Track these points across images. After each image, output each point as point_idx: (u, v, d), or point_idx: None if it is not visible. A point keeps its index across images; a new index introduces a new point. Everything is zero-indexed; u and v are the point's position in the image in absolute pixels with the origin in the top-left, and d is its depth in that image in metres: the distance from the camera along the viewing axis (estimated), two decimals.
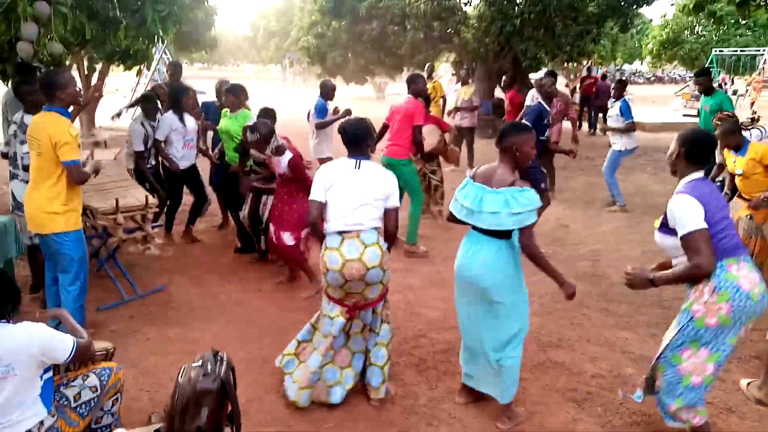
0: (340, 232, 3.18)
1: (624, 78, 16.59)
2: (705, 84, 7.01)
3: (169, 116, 5.69)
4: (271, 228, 4.87)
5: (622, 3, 13.98)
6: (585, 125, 15.93)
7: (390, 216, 3.29)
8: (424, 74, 10.12)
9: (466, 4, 15.58)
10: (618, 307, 4.70)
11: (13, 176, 4.30)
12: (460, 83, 10.38)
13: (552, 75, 6.79)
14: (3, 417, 2.25)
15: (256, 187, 5.24)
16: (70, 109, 3.66)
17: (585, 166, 10.65)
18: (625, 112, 7.46)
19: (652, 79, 44.35)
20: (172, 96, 5.76)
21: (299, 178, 4.68)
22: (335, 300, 3.26)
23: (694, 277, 2.69)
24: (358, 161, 3.27)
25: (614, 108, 7.65)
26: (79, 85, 13.39)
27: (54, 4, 4.08)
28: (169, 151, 5.70)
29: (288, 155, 4.67)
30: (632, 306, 4.70)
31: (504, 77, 11.00)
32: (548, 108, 6.14)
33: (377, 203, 3.22)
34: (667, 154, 2.90)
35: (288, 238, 4.77)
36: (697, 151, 2.78)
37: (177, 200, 6.05)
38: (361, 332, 3.39)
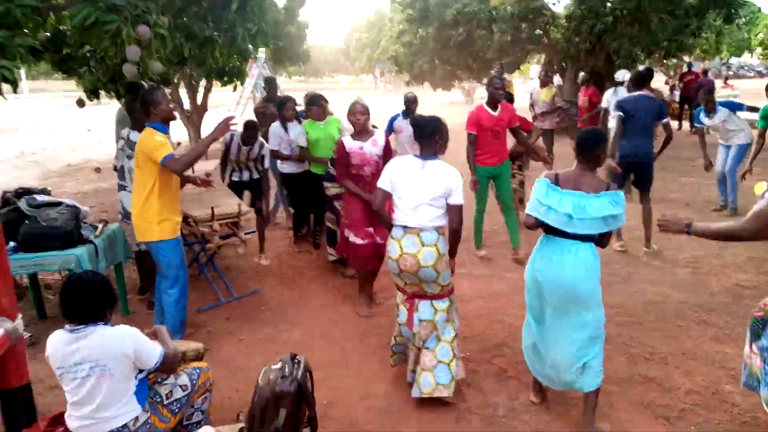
0: (404, 227, 3.36)
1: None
2: None
3: (276, 126, 6.04)
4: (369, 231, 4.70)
5: None
6: (686, 124, 14.99)
7: (452, 211, 3.36)
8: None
9: (554, 4, 15.16)
10: (718, 318, 4.40)
11: (121, 188, 4.69)
12: (539, 85, 10.13)
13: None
14: (101, 412, 2.46)
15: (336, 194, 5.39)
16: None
17: (684, 167, 10.02)
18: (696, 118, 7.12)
19: (765, 72, 40.92)
20: (277, 108, 6.18)
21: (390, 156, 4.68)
22: (398, 287, 3.51)
23: (738, 238, 2.67)
24: (424, 162, 3.37)
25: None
26: (185, 101, 14.43)
27: (154, 27, 4.44)
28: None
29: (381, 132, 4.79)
30: (734, 317, 4.37)
31: (581, 74, 10.55)
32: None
33: (437, 202, 3.31)
34: None
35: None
36: None
37: (298, 207, 6.38)
38: (422, 328, 3.41)
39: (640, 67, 9.59)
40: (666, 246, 6.03)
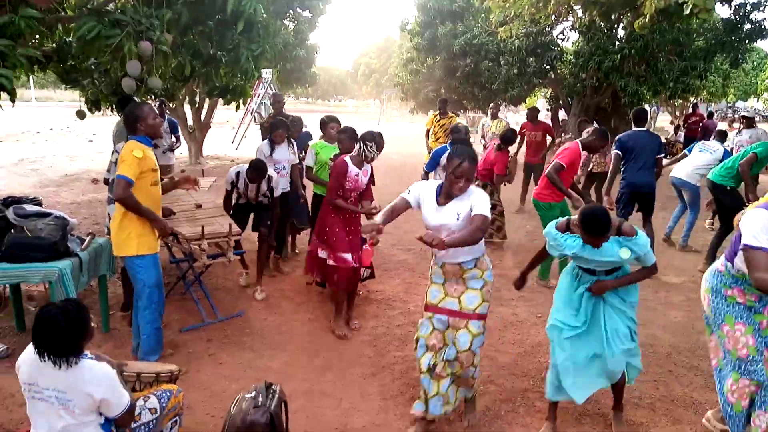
0: None
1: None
2: None
3: (263, 145, 6.00)
4: (347, 255, 4.67)
5: (733, 37, 13.13)
6: None
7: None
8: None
9: (563, 40, 15.34)
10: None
11: (110, 200, 4.65)
12: (490, 117, 10.35)
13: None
14: None
15: None
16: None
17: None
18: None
19: None
20: (270, 127, 6.11)
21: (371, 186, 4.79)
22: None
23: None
24: None
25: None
26: (189, 117, 14.50)
27: (156, 44, 4.45)
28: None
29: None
30: None
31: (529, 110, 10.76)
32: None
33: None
34: None
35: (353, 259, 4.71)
36: None
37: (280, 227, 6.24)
38: None
39: (646, 106, 9.74)
40: (660, 288, 5.95)
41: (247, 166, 5.51)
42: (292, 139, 6.34)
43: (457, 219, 3.12)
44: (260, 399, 2.59)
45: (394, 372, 4.13)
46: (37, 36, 5.60)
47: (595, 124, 8.30)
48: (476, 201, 3.08)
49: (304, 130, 7.24)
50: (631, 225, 3.07)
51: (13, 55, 4.30)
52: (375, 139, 4.61)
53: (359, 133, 5.24)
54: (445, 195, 3.17)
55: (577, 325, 3.21)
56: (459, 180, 3.06)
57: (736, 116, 36.90)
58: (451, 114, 10.15)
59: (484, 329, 3.27)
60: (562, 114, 17.92)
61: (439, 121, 9.89)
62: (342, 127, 5.51)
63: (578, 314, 3.25)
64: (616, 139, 6.65)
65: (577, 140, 5.73)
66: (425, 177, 6.68)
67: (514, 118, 33.64)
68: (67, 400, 2.35)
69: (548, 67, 15.14)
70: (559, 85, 15.36)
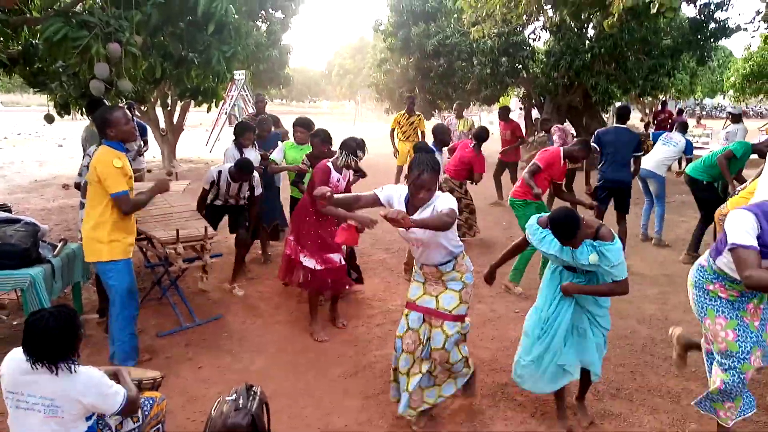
0: None
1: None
2: None
3: (231, 149, 5.99)
4: (318, 258, 4.64)
5: (699, 36, 13.43)
6: None
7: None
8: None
9: (534, 40, 15.50)
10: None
11: (83, 205, 4.56)
12: (455, 116, 10.45)
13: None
14: None
15: None
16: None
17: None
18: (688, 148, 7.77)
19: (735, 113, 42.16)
20: (235, 130, 6.09)
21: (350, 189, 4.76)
22: None
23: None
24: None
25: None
26: (161, 120, 14.30)
27: (125, 46, 4.38)
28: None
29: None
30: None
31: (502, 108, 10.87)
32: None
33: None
34: None
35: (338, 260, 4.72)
36: None
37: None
38: None
39: (622, 103, 9.97)
40: (634, 281, 6.06)
41: (228, 166, 5.48)
42: (256, 142, 6.32)
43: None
44: (241, 401, 2.57)
45: (375, 371, 4.13)
46: (2, 38, 5.48)
47: (568, 124, 8.45)
48: (439, 203, 3.03)
49: (275, 131, 7.23)
50: (610, 230, 3.07)
51: None
52: (360, 149, 4.62)
53: (332, 135, 5.25)
54: (412, 203, 3.12)
55: (548, 312, 3.30)
56: (419, 191, 3.02)
57: (703, 113, 37.90)
58: (417, 113, 10.21)
59: (462, 329, 3.29)
60: (535, 113, 18.12)
61: (408, 119, 9.93)
62: (315, 130, 5.51)
63: (550, 307, 3.30)
64: (595, 133, 6.79)
65: (560, 147, 5.78)
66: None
67: (488, 117, 33.97)
68: (56, 407, 2.30)
69: (520, 66, 15.28)
70: (531, 84, 15.51)
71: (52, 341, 2.26)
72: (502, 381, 3.96)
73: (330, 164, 4.63)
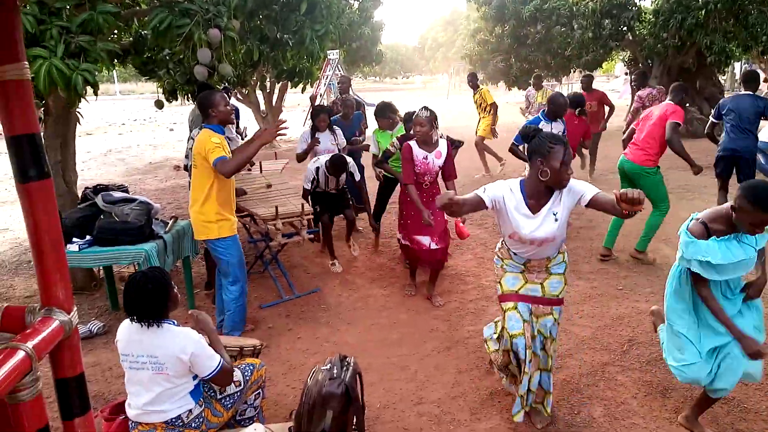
0: None
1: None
2: None
3: (305, 132, 6.17)
4: (429, 239, 4.71)
5: None
6: None
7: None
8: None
9: None
10: None
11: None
12: (534, 88, 9.81)
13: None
14: (155, 406, 2.53)
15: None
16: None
17: None
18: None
19: None
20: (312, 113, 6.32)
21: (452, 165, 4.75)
22: None
23: None
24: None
25: None
26: (261, 102, 14.84)
27: (224, 31, 4.55)
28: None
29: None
30: None
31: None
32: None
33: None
34: None
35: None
36: None
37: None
38: None
39: (745, 66, 8.98)
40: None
41: (323, 159, 5.63)
42: (334, 127, 6.32)
43: (556, 220, 2.77)
44: (335, 371, 2.64)
45: (468, 346, 4.10)
46: (115, 31, 5.88)
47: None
48: (581, 187, 2.70)
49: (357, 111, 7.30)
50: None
51: (93, 50, 4.52)
52: (412, 118, 4.71)
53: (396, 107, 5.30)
54: (535, 196, 2.78)
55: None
56: (568, 167, 2.69)
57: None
58: (481, 87, 9.77)
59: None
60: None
61: (473, 96, 9.58)
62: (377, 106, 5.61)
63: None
64: (718, 104, 6.28)
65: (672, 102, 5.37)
66: (514, 148, 5.84)
67: (566, 90, 32.19)
68: (161, 365, 2.48)
69: (625, 28, 14.33)
70: (638, 47, 14.52)
71: (146, 296, 2.46)
72: (603, 360, 3.81)
73: (412, 143, 4.62)
